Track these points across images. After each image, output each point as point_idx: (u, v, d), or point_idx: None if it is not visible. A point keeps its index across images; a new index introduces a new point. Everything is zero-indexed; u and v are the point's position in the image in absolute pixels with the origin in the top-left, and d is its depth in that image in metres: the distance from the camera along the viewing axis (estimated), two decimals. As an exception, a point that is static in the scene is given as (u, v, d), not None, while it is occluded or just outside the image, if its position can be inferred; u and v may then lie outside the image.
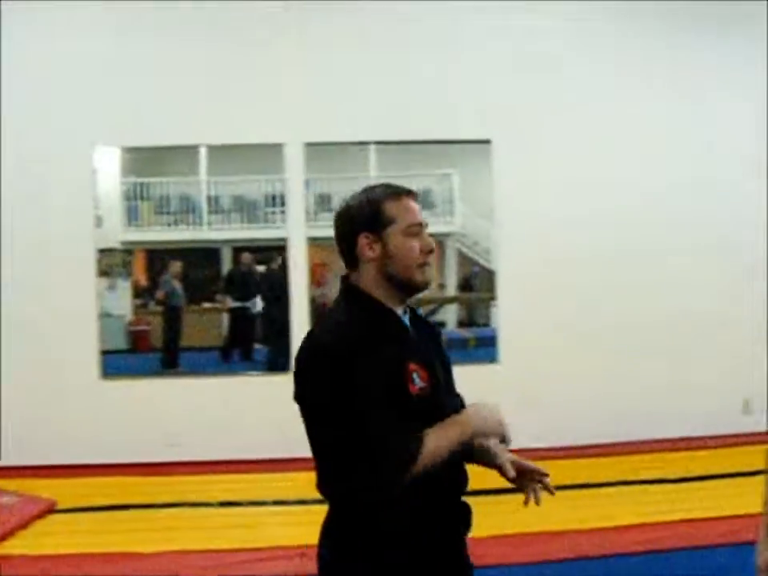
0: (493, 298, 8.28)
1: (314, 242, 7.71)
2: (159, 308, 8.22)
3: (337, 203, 8.22)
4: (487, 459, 2.54)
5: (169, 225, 8.17)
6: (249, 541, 5.44)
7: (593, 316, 7.70)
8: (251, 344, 8.45)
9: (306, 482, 6.58)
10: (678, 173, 7.89)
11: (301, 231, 7.68)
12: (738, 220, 7.90)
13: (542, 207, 7.70)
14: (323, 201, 7.98)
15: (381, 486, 2.26)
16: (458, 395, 2.64)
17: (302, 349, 2.42)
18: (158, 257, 8.36)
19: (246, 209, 8.18)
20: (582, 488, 6.31)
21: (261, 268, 8.34)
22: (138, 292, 8.26)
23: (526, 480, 2.52)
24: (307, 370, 2.35)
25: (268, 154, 7.75)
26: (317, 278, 7.80)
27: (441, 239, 8.46)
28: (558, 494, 2.51)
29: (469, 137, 7.82)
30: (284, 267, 7.92)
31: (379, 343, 2.36)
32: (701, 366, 7.78)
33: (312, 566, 5.04)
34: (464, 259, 8.52)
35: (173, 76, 7.52)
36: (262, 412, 7.28)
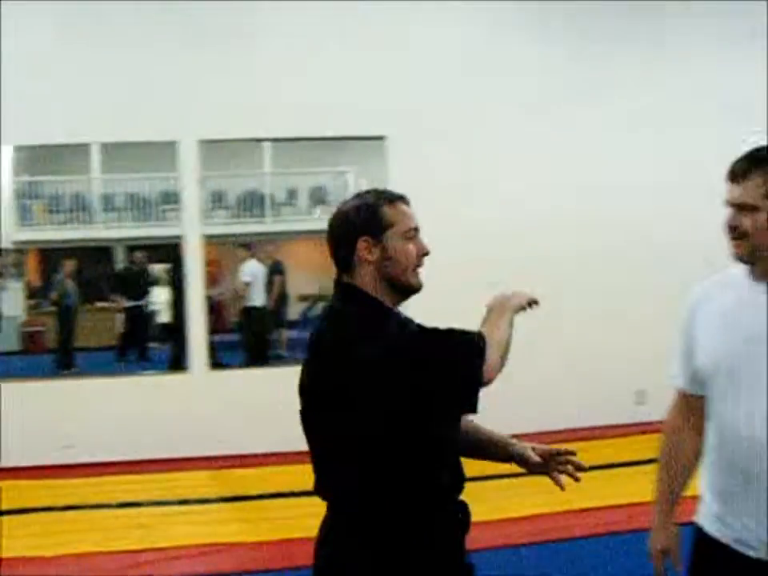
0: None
1: (209, 240, 7.69)
2: (53, 308, 8.13)
3: (231, 200, 8.32)
4: (495, 452, 2.68)
5: (61, 224, 8.08)
6: (150, 541, 5.39)
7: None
8: (147, 343, 8.43)
9: (205, 480, 6.66)
10: (576, 177, 8.09)
11: (196, 229, 7.62)
12: (618, 221, 8.14)
13: (438, 205, 7.78)
14: (217, 198, 7.97)
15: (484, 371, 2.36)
16: None
17: (342, 341, 2.44)
18: (50, 256, 8.26)
19: (139, 207, 8.12)
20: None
21: (158, 266, 8.32)
22: (31, 292, 8.17)
23: (552, 463, 2.61)
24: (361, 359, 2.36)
25: (162, 152, 7.68)
26: (212, 276, 7.80)
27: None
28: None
29: (364, 134, 7.88)
30: (178, 265, 7.91)
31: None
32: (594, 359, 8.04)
33: (214, 563, 5.09)
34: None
35: (65, 74, 7.39)
36: (159, 411, 7.28)
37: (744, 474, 2.31)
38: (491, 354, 2.40)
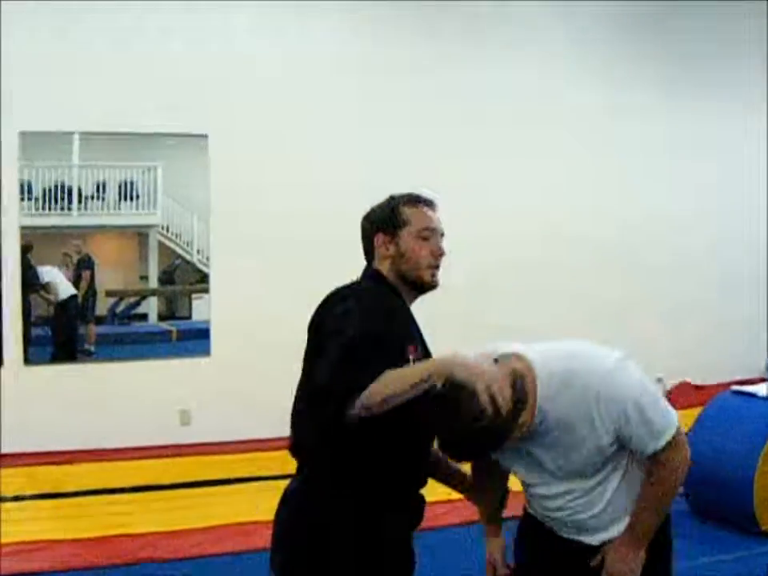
0: (195, 291, 8.46)
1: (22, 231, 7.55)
2: None
3: (39, 191, 8.11)
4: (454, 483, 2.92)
5: None
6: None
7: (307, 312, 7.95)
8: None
9: (15, 478, 6.49)
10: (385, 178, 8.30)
11: (13, 221, 7.40)
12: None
13: (261, 204, 7.86)
14: (21, 190, 7.75)
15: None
16: None
17: (346, 299, 2.64)
18: None
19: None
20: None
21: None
22: None
23: None
24: (351, 314, 2.53)
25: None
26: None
27: (143, 231, 8.51)
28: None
29: (185, 131, 7.86)
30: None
31: (405, 321, 2.66)
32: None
33: (34, 561, 5.01)
34: (166, 251, 8.57)
35: None
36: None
37: None
38: (367, 397, 2.36)
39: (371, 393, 2.34)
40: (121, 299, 8.48)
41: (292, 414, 2.70)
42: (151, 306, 8.71)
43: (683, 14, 9.35)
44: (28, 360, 7.44)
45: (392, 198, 2.80)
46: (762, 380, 8.68)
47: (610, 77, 9.22)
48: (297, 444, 2.68)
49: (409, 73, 8.45)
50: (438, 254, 2.72)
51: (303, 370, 2.68)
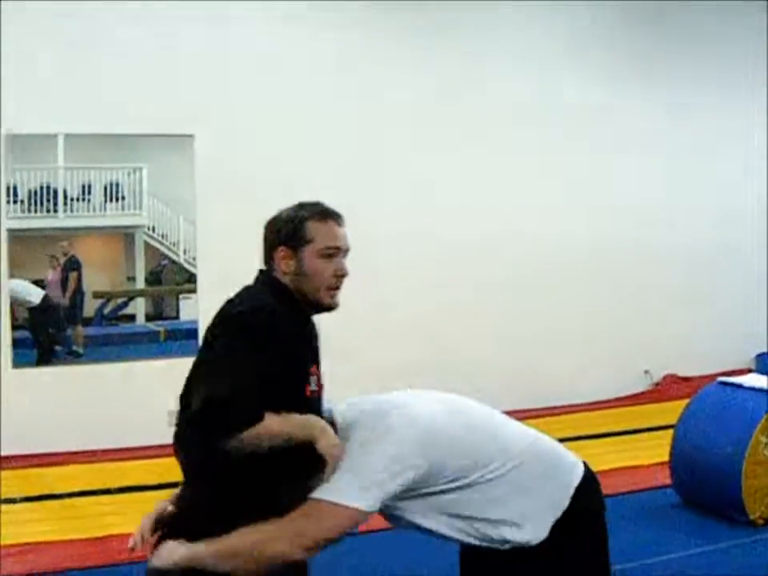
0: (182, 291, 8.47)
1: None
2: None
3: (24, 194, 8.11)
4: None
5: None
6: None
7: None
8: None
9: (8, 480, 6.48)
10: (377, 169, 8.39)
11: (1, 223, 7.39)
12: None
13: (248, 203, 7.81)
14: (6, 192, 7.73)
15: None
16: None
17: (224, 314, 2.57)
18: None
19: None
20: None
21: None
22: None
23: None
24: (226, 331, 2.48)
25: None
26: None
27: (129, 232, 8.51)
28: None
29: (170, 132, 7.85)
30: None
31: (294, 336, 2.53)
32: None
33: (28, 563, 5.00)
34: (153, 252, 8.58)
35: None
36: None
37: None
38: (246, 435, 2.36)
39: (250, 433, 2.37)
40: (108, 300, 8.49)
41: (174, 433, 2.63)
42: (138, 307, 8.72)
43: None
44: (16, 363, 7.45)
45: (301, 207, 2.70)
46: (750, 370, 8.77)
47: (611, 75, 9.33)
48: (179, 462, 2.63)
49: (406, 70, 8.52)
50: (340, 274, 2.63)
51: (188, 386, 2.62)
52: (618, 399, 9.14)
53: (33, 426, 7.19)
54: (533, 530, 2.65)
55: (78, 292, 8.12)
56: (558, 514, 2.67)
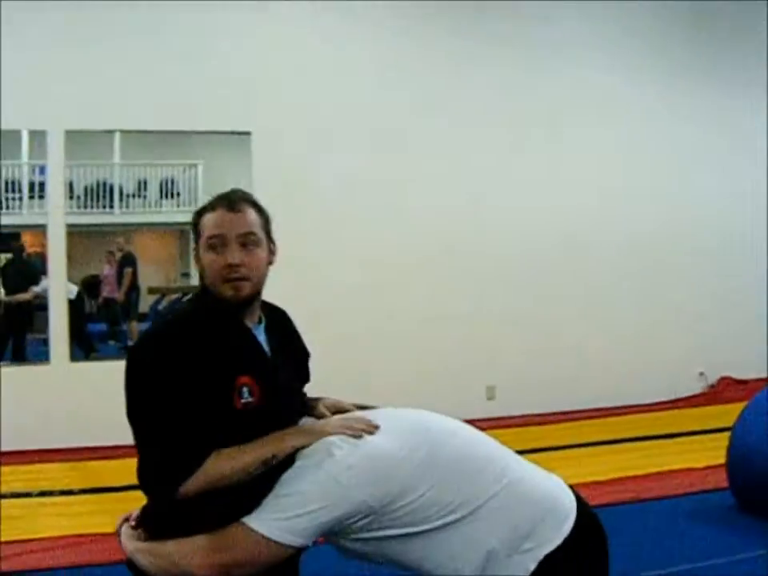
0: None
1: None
2: None
3: (78, 190, 8.20)
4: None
5: None
6: (18, 533, 5.32)
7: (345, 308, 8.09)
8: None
9: (66, 472, 6.56)
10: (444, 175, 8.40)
11: (59, 219, 7.52)
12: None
13: (304, 202, 7.86)
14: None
15: (155, 483, 2.31)
16: (302, 394, 2.66)
17: (134, 347, 2.48)
18: None
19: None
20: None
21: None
22: None
23: None
24: (133, 371, 2.35)
25: (6, 140, 7.54)
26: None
27: (184, 228, 8.55)
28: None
29: (227, 128, 7.93)
30: (20, 254, 7.86)
31: (208, 352, 2.33)
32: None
33: (82, 554, 5.05)
34: (208, 248, 8.60)
35: None
36: (19, 403, 7.16)
37: None
38: (188, 486, 2.26)
39: (198, 478, 2.27)
40: (163, 296, 8.55)
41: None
42: (194, 303, 8.73)
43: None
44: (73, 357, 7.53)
45: (211, 201, 2.48)
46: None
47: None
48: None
49: (454, 72, 8.54)
50: (228, 263, 2.36)
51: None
52: (673, 401, 9.06)
53: (85, 418, 7.27)
54: None
55: (133, 288, 8.19)
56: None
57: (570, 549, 2.36)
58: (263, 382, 2.36)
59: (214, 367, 2.31)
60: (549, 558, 2.33)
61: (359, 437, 2.30)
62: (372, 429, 2.33)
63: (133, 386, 2.32)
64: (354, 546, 2.40)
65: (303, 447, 2.32)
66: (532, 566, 2.32)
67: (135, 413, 2.32)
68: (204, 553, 2.27)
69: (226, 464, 2.27)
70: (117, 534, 2.55)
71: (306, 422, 2.48)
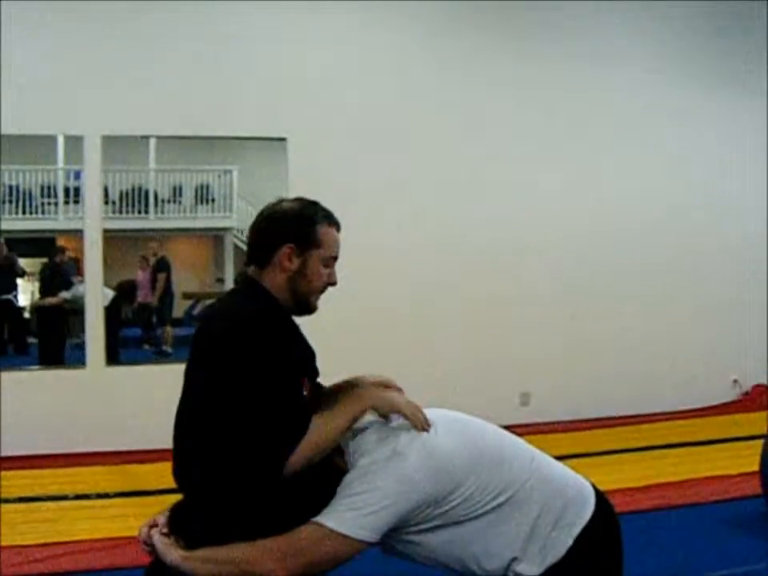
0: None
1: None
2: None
3: (113, 195, 8.28)
4: None
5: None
6: (56, 535, 5.37)
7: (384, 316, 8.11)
8: (26, 338, 8.27)
9: (103, 476, 6.62)
10: (478, 179, 8.38)
11: (96, 224, 7.57)
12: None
13: (340, 208, 7.86)
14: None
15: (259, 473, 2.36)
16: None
17: (211, 327, 2.53)
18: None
19: (19, 200, 7.98)
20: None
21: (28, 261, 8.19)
22: None
23: None
24: (223, 347, 2.42)
25: (42, 145, 7.62)
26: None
27: (218, 234, 8.62)
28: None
29: (263, 134, 7.96)
30: (55, 258, 7.94)
31: (289, 344, 2.51)
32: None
33: (119, 557, 5.09)
34: (242, 254, 8.66)
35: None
36: (54, 407, 7.25)
37: None
38: (295, 458, 2.37)
39: (304, 448, 2.39)
40: (197, 301, 8.59)
41: (176, 447, 2.62)
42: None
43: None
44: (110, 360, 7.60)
45: (310, 206, 2.67)
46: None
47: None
48: (182, 481, 2.62)
49: (507, 75, 8.57)
50: (333, 282, 2.68)
51: (186, 395, 2.59)
52: (706, 408, 9.01)
53: (123, 423, 7.34)
54: (528, 567, 2.57)
55: (167, 293, 8.25)
56: (561, 553, 2.58)
57: (597, 528, 2.62)
58: (310, 378, 2.62)
59: (292, 359, 2.49)
60: (581, 535, 2.59)
61: (424, 430, 2.52)
62: (428, 426, 2.54)
63: (232, 367, 2.40)
64: (408, 539, 2.55)
65: (378, 408, 2.56)
66: (570, 541, 2.58)
67: (228, 398, 2.39)
68: (279, 556, 2.38)
69: (324, 428, 2.44)
70: (142, 541, 2.68)
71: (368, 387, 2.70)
